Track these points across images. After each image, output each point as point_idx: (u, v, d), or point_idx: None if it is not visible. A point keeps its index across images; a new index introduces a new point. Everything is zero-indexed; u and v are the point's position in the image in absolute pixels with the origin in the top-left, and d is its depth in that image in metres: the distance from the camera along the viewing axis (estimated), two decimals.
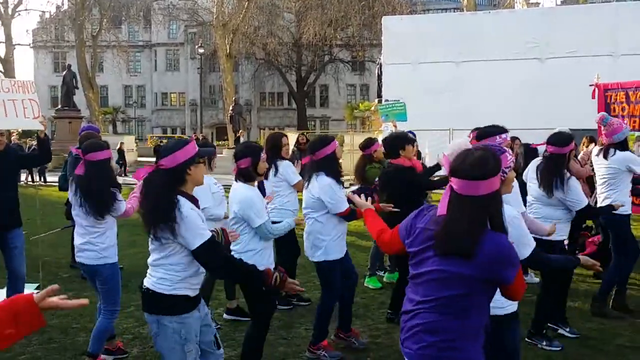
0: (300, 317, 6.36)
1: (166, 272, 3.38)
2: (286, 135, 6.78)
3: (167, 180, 3.34)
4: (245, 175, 4.52)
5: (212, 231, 4.00)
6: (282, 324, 6.14)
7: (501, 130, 4.37)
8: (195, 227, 3.27)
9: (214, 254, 3.34)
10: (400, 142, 6.07)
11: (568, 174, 5.35)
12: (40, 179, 22.61)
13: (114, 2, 44.92)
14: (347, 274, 5.41)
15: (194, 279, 3.46)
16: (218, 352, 3.70)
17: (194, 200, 3.44)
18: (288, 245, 6.51)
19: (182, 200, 3.31)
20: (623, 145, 6.25)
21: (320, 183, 5.03)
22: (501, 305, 3.40)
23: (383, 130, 15.23)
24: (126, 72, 58.39)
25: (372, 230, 3.31)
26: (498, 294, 2.80)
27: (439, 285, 2.61)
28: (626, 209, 6.21)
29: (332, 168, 5.08)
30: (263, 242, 4.55)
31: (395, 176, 5.83)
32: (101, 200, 4.71)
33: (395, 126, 8.86)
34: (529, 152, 7.06)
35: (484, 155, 2.60)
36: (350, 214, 5.10)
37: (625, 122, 7.94)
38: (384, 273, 8.01)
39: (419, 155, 8.12)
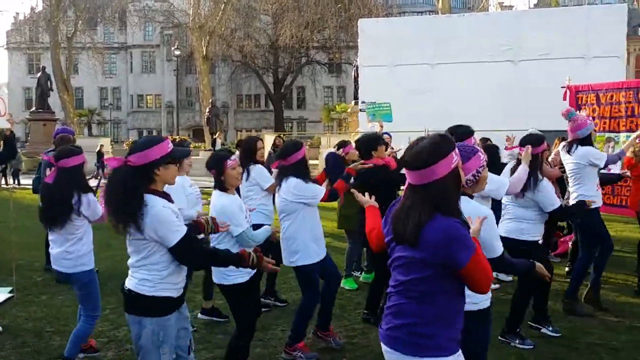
0: (276, 319, 6.37)
1: (148, 272, 3.36)
2: (261, 139, 6.81)
3: (133, 179, 3.26)
4: (218, 185, 4.55)
5: (201, 220, 4.07)
6: (258, 325, 6.11)
7: (471, 131, 4.49)
8: (170, 224, 3.25)
9: (192, 250, 3.33)
10: (372, 144, 6.21)
11: (541, 176, 5.45)
12: (14, 182, 22.34)
13: (89, 4, 44.50)
14: (329, 275, 5.45)
15: (176, 277, 3.43)
16: (188, 357, 3.67)
17: (167, 197, 3.40)
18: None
19: (153, 200, 3.26)
20: (586, 141, 6.38)
21: (290, 184, 5.11)
22: (476, 300, 3.44)
23: (359, 132, 15.36)
24: (101, 74, 57.92)
25: (367, 227, 3.38)
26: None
27: (402, 270, 2.71)
28: (595, 203, 6.33)
29: (301, 171, 5.16)
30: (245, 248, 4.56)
31: (369, 175, 5.92)
32: (69, 206, 4.62)
33: (381, 126, 8.96)
34: (487, 149, 7.09)
35: (424, 145, 2.66)
36: (332, 195, 5.26)
37: (596, 123, 8.11)
38: (360, 273, 8.06)
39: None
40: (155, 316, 3.37)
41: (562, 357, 5.26)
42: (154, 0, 54.05)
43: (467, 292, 2.76)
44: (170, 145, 3.42)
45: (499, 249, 3.36)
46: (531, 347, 5.44)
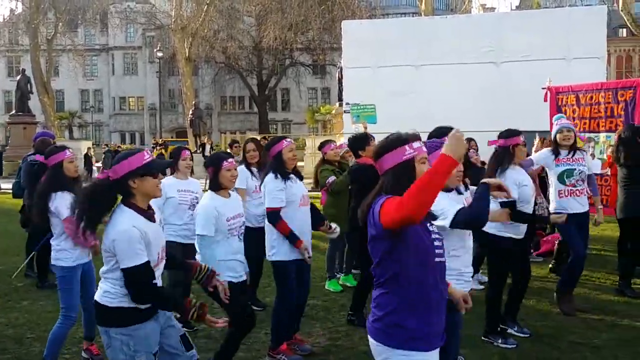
0: (260, 322, 6.29)
1: (111, 285, 3.30)
2: (253, 140, 6.89)
3: (107, 192, 3.26)
4: (212, 185, 4.59)
5: (196, 264, 3.89)
6: None
7: (444, 132, 4.57)
8: (130, 246, 3.16)
9: (140, 283, 3.21)
10: (360, 143, 6.38)
11: (508, 165, 5.42)
12: None
13: (69, 5, 44.08)
14: (301, 282, 5.38)
15: None
16: (188, 353, 3.56)
17: (147, 213, 3.33)
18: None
19: (123, 217, 3.23)
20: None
21: (265, 179, 5.18)
22: None
23: (344, 134, 15.39)
24: (83, 76, 57.36)
25: None
26: None
27: (374, 259, 2.90)
28: (556, 207, 6.40)
29: (278, 164, 5.17)
30: (228, 252, 4.53)
31: (360, 173, 6.09)
32: (44, 203, 4.77)
33: (365, 127, 9.01)
34: None
35: (380, 141, 3.01)
36: (271, 215, 5.12)
37: (576, 124, 8.18)
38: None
39: None
40: (120, 326, 3.28)
41: (545, 356, 5.29)
42: (136, 2, 53.81)
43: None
44: (147, 157, 3.31)
45: (449, 214, 3.54)
46: (514, 346, 5.46)
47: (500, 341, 5.51)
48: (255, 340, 5.76)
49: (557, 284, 6.67)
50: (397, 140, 2.90)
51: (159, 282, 3.40)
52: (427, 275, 2.79)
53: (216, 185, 4.55)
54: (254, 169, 6.65)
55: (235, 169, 4.67)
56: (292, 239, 5.08)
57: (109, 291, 3.31)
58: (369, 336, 2.92)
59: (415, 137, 2.92)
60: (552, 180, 6.48)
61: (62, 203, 4.74)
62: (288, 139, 5.34)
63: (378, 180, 2.93)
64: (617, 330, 5.93)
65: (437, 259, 2.84)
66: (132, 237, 3.17)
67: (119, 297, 3.28)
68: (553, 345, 5.56)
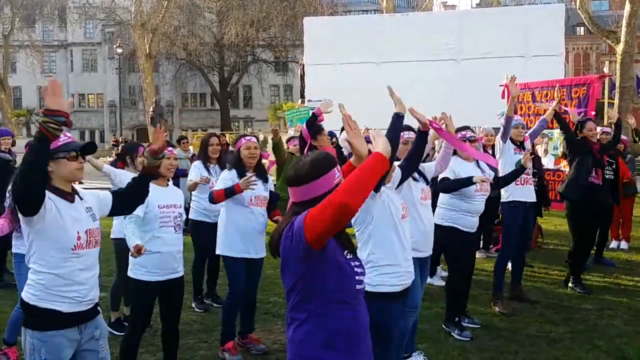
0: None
1: (34, 276, 3.05)
2: (217, 136, 6.87)
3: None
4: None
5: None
6: (202, 327, 6.08)
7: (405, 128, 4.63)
8: None
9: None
10: (312, 132, 6.53)
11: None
12: None
13: (26, 1, 43.12)
14: (251, 278, 5.37)
15: (70, 288, 3.07)
16: None
17: (66, 195, 3.12)
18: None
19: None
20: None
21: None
22: (373, 283, 3.73)
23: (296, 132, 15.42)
24: (41, 72, 56.07)
25: None
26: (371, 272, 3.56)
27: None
28: (511, 195, 6.54)
29: (237, 162, 5.24)
30: (157, 245, 4.40)
31: None
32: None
33: (299, 130, 9.01)
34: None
35: (304, 162, 2.62)
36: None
37: (531, 120, 8.32)
38: None
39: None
40: (35, 329, 3.04)
41: (503, 349, 5.37)
42: None
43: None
44: (65, 139, 3.12)
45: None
46: (468, 338, 5.57)
47: (456, 332, 5.64)
48: (216, 338, 5.68)
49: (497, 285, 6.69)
50: (331, 161, 2.57)
51: (92, 268, 3.20)
52: (327, 306, 2.52)
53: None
54: (212, 165, 6.58)
55: (175, 159, 4.72)
56: (229, 192, 5.03)
57: (31, 284, 3.08)
58: None
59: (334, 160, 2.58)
60: (508, 169, 6.52)
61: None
62: (248, 137, 5.34)
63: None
64: (572, 323, 6.05)
65: (357, 286, 2.59)
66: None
67: (40, 292, 3.04)
68: (511, 338, 5.65)
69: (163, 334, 4.74)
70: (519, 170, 6.14)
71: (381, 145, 2.45)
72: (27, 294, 3.08)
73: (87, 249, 3.15)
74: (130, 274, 4.47)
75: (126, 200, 3.60)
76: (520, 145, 6.64)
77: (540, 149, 9.14)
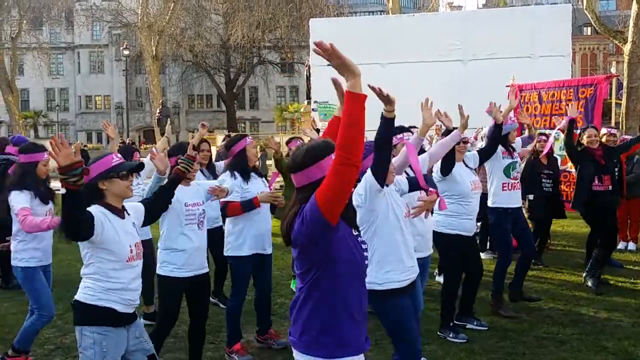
0: None
1: (92, 281, 3.39)
2: (207, 141, 6.84)
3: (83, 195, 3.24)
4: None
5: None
6: (209, 328, 6.06)
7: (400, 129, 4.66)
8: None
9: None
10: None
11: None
12: None
13: (33, 3, 43.20)
14: (260, 282, 5.43)
15: (124, 293, 3.42)
16: None
17: (118, 212, 3.45)
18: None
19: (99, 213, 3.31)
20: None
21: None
22: (380, 281, 3.80)
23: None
24: (48, 74, 56.36)
25: None
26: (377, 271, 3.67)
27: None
28: (497, 202, 6.44)
29: (239, 163, 5.21)
30: (184, 242, 4.55)
31: None
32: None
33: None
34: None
35: (302, 149, 2.80)
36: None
37: (537, 120, 8.30)
38: None
39: None
40: (94, 325, 3.35)
41: (510, 351, 5.37)
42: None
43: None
44: (116, 160, 3.44)
45: None
46: (464, 340, 5.55)
47: (451, 335, 5.63)
48: (223, 339, 5.72)
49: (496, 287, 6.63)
50: (328, 148, 2.66)
51: (140, 276, 3.54)
52: (341, 294, 2.68)
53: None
54: (204, 170, 6.59)
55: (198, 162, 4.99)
56: (248, 206, 5.07)
57: (89, 287, 3.39)
58: (295, 352, 2.76)
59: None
60: (496, 174, 6.48)
61: (18, 199, 4.72)
62: (248, 137, 5.42)
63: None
64: (580, 325, 6.03)
65: (365, 262, 2.79)
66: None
67: (98, 294, 3.36)
68: (519, 340, 5.64)
69: (189, 332, 4.84)
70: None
71: (348, 82, 2.59)
72: (85, 295, 3.38)
73: (137, 260, 3.51)
74: (159, 271, 4.61)
75: (153, 208, 3.87)
76: (509, 149, 6.54)
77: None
